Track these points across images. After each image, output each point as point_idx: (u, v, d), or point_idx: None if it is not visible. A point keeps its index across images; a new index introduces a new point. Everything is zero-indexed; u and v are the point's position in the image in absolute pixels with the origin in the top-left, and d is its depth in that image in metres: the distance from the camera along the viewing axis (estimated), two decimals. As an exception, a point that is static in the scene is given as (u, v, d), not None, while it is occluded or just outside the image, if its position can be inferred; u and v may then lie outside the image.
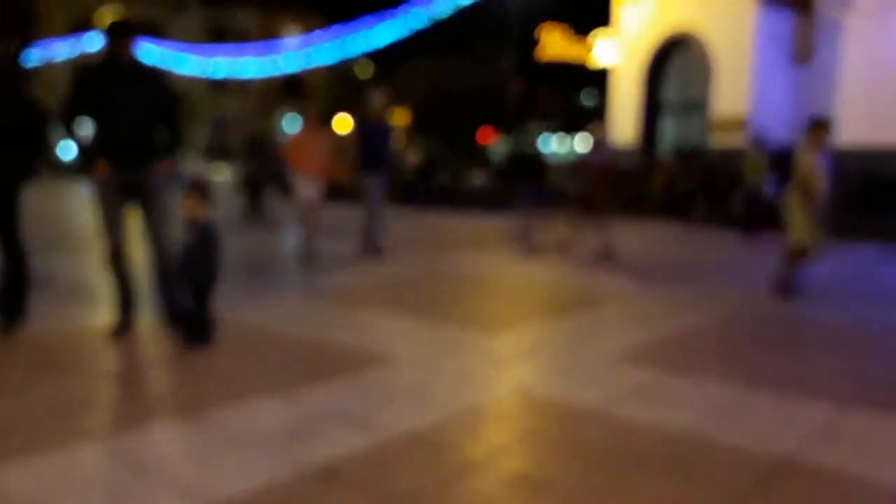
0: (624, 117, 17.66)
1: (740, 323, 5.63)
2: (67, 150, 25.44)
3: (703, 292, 6.75)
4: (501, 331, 5.14)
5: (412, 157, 20.68)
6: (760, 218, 10.70)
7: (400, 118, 39.55)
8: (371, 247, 8.50)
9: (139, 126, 4.70)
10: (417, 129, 33.95)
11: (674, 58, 16.94)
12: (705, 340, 5.06)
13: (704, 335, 5.19)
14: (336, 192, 9.72)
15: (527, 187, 9.59)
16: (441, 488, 2.68)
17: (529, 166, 10.26)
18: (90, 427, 3.20)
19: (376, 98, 8.76)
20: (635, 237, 10.41)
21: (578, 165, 9.01)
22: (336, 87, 41.10)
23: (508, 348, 4.67)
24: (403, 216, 13.58)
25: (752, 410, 3.58)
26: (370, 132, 8.50)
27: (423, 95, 34.53)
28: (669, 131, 17.20)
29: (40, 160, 4.96)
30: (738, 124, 15.13)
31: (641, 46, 17.16)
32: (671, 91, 17.15)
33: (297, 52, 31.07)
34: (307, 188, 8.15)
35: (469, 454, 3.01)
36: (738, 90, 15.16)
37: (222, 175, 20.37)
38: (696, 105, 16.37)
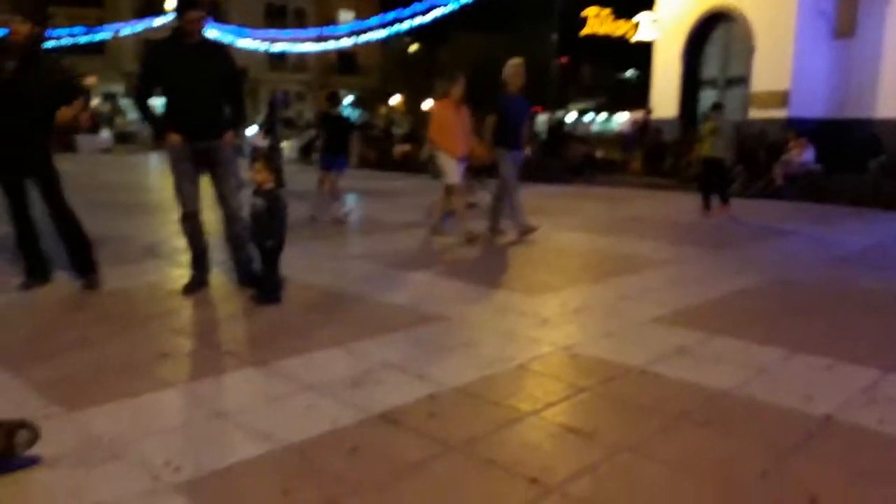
0: (665, 92, 17.33)
1: (783, 287, 5.53)
2: (142, 123, 26.06)
3: (745, 258, 6.64)
4: (547, 294, 5.14)
5: None
6: (718, 187, 10.18)
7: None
8: (511, 226, 7.55)
9: (208, 99, 4.78)
10: (464, 102, 33.70)
11: (715, 33, 16.49)
12: (748, 304, 4.98)
13: (747, 299, 5.11)
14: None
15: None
16: (492, 437, 2.72)
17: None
18: (169, 376, 3.31)
19: (510, 69, 7.51)
20: (677, 207, 10.27)
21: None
22: (389, 64, 40.93)
23: (554, 310, 4.67)
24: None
25: (794, 372, 3.53)
26: (509, 106, 7.44)
27: (466, 71, 34.20)
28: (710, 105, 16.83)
29: (67, 133, 4.95)
30: (779, 98, 14.72)
31: (683, 22, 16.73)
32: (712, 66, 16.72)
33: (350, 29, 31.10)
34: (458, 170, 7.32)
35: (517, 407, 3.04)
36: (779, 65, 14.71)
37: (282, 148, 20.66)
38: (737, 80, 15.94)
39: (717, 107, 10.65)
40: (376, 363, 3.50)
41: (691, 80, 16.93)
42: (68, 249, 4.98)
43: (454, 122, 7.26)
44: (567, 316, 4.56)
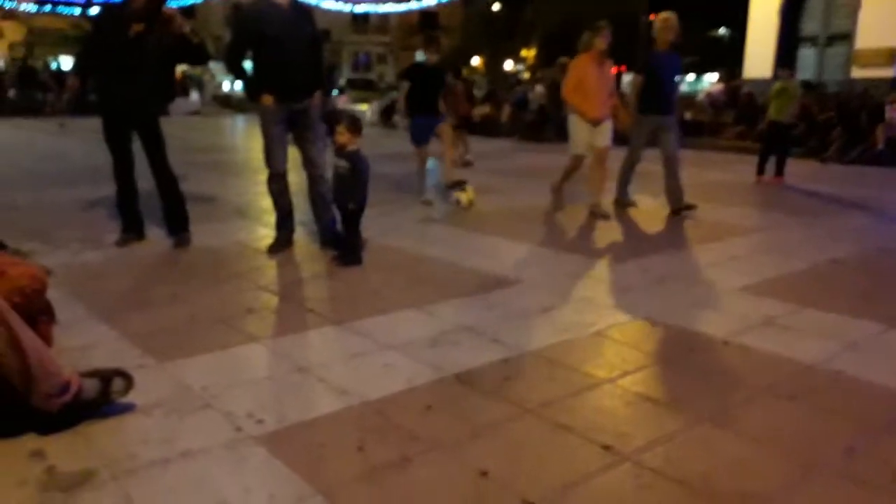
0: (761, 50, 16.48)
1: (879, 259, 5.25)
2: (234, 86, 26.76)
3: (840, 227, 6.33)
4: (630, 260, 5.04)
5: (538, 92, 19.97)
6: (779, 153, 9.50)
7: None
8: (677, 204, 6.77)
9: (303, 60, 4.84)
10: (547, 62, 32.99)
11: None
12: (841, 275, 4.77)
13: (840, 270, 4.89)
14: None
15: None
16: (566, 402, 2.72)
17: None
18: (255, 331, 3.44)
19: (658, 24, 6.77)
20: (768, 173, 9.81)
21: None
22: (471, 24, 40.44)
23: (636, 277, 4.58)
24: (529, 151, 13.45)
25: (889, 348, 3.36)
26: (660, 66, 6.69)
27: (552, 28, 33.44)
28: (809, 64, 15.90)
29: (170, 95, 5.16)
30: (886, 56, 13.80)
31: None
32: (813, 22, 15.79)
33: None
34: (598, 135, 6.46)
35: (593, 374, 3.02)
36: (888, 18, 13.74)
37: (363, 109, 20.88)
38: (840, 36, 15.00)
39: (785, 65, 9.90)
40: (453, 325, 3.53)
41: (789, 38, 16.04)
42: (165, 207, 5.21)
43: (595, 79, 6.35)
44: (649, 283, 4.47)
